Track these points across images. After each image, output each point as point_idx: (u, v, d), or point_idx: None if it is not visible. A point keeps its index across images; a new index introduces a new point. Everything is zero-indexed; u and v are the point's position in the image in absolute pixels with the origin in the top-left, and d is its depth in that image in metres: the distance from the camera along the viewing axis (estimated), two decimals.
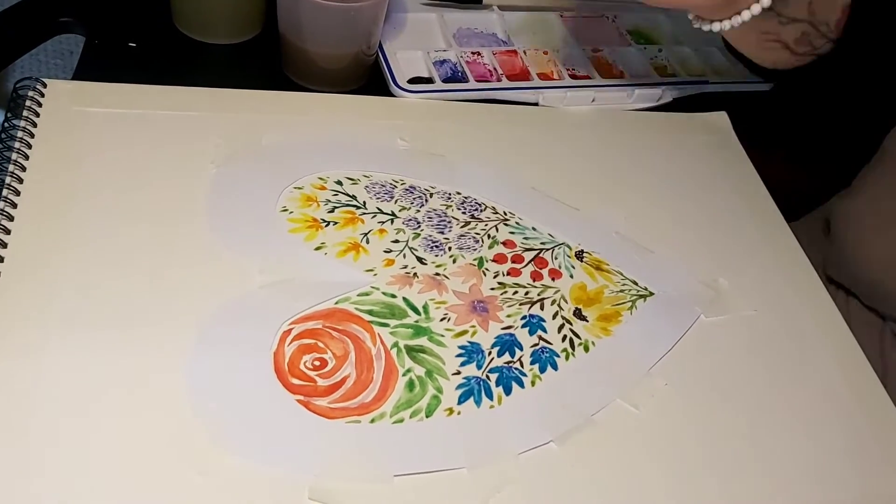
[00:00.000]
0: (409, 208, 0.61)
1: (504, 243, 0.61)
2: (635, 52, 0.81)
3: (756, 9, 0.57)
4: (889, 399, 0.58)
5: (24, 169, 0.56)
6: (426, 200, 0.62)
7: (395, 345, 0.53)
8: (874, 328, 0.69)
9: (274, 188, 0.60)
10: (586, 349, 0.56)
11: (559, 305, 0.58)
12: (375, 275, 0.57)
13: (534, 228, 0.62)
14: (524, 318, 0.57)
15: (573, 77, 0.77)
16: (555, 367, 0.54)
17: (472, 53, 0.76)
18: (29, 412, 0.46)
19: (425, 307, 0.56)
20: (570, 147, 0.70)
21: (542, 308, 0.57)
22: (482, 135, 0.69)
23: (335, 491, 0.46)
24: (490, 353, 0.54)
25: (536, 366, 0.54)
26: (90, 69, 0.66)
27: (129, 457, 0.45)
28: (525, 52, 0.77)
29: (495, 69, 0.75)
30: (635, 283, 0.60)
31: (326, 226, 0.59)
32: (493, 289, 0.58)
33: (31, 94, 0.61)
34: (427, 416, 0.50)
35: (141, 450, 0.45)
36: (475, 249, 0.60)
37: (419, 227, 0.60)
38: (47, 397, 0.46)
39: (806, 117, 0.74)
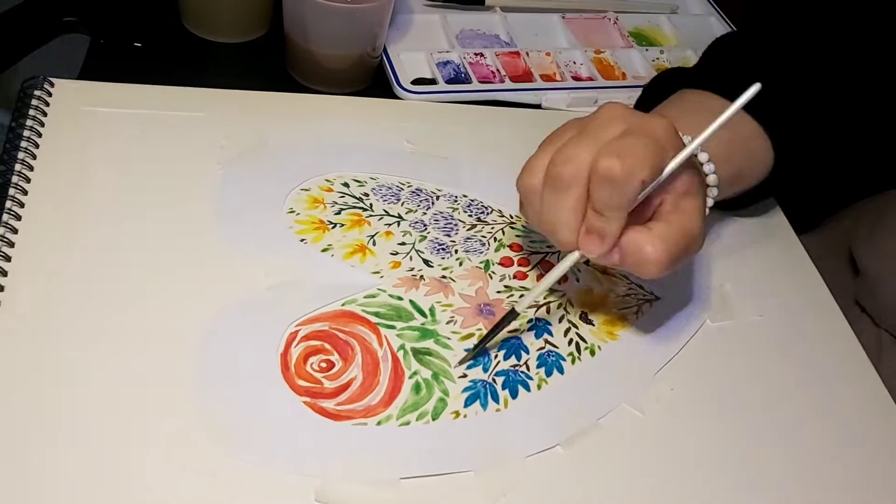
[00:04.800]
0: (416, 210, 0.61)
1: (510, 246, 0.61)
2: (637, 53, 0.81)
3: (710, 202, 0.57)
4: (891, 400, 0.58)
5: (31, 168, 0.56)
6: (433, 203, 0.62)
7: (402, 347, 0.53)
8: None
9: (280, 190, 0.60)
10: (592, 353, 0.56)
11: (565, 309, 0.58)
12: (382, 277, 0.57)
13: None
14: (530, 321, 0.57)
15: (576, 79, 0.77)
16: (561, 371, 0.54)
17: (475, 55, 0.76)
18: (32, 411, 0.46)
19: (432, 310, 0.56)
20: None
21: (548, 312, 0.58)
22: (488, 137, 0.69)
23: (341, 493, 0.46)
24: (496, 357, 0.54)
25: (542, 369, 0.54)
26: (95, 69, 0.66)
27: (134, 457, 0.45)
28: (528, 54, 0.77)
29: (498, 70, 0.75)
30: (641, 288, 0.61)
31: (333, 228, 0.59)
32: (499, 292, 0.58)
33: (37, 93, 0.61)
34: (433, 419, 0.50)
35: (146, 450, 0.45)
36: (481, 252, 0.60)
37: (426, 229, 0.60)
38: (51, 396, 0.46)
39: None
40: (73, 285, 0.51)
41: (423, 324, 0.55)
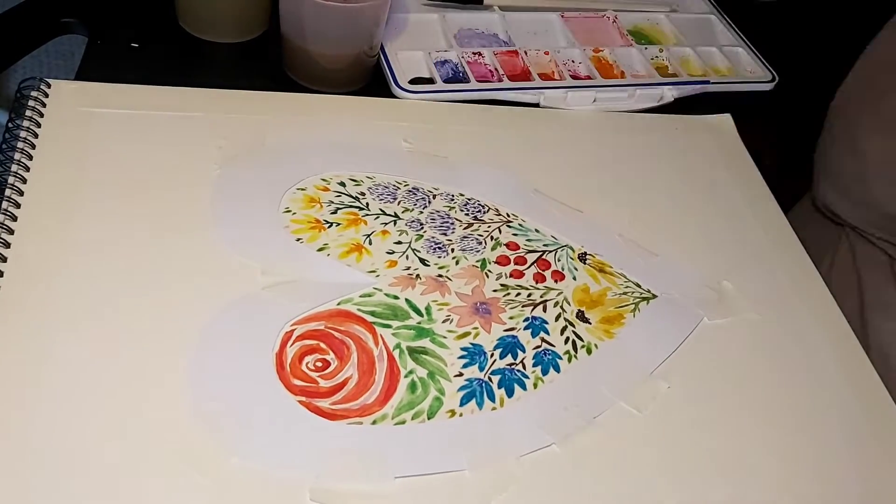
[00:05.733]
0: (412, 210, 0.61)
1: (507, 245, 0.61)
2: (636, 52, 0.81)
3: None
4: (891, 400, 0.58)
5: (27, 169, 0.56)
6: (429, 202, 0.62)
7: (398, 346, 0.53)
8: (878, 264, 0.68)
9: (277, 189, 0.60)
10: (589, 351, 0.56)
11: (562, 307, 0.58)
12: (378, 276, 0.57)
13: (537, 230, 0.62)
14: (526, 319, 0.57)
15: (574, 77, 0.77)
16: (557, 370, 0.54)
17: (474, 54, 0.76)
18: (29, 412, 0.46)
19: (427, 308, 0.56)
20: (573, 148, 0.70)
21: (544, 310, 0.57)
22: (485, 136, 0.69)
23: (336, 492, 0.46)
24: (492, 355, 0.54)
25: (539, 368, 0.54)
26: (92, 70, 0.66)
27: (130, 457, 0.45)
28: (526, 53, 0.77)
29: (496, 69, 0.75)
30: (638, 286, 0.60)
31: (329, 227, 0.59)
32: (495, 290, 0.58)
33: (34, 94, 0.61)
34: (429, 418, 0.50)
35: (141, 451, 0.45)
36: (478, 251, 0.60)
37: (422, 228, 0.60)
38: (48, 397, 0.46)
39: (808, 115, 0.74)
40: (70, 286, 0.51)
41: (419, 323, 0.55)
